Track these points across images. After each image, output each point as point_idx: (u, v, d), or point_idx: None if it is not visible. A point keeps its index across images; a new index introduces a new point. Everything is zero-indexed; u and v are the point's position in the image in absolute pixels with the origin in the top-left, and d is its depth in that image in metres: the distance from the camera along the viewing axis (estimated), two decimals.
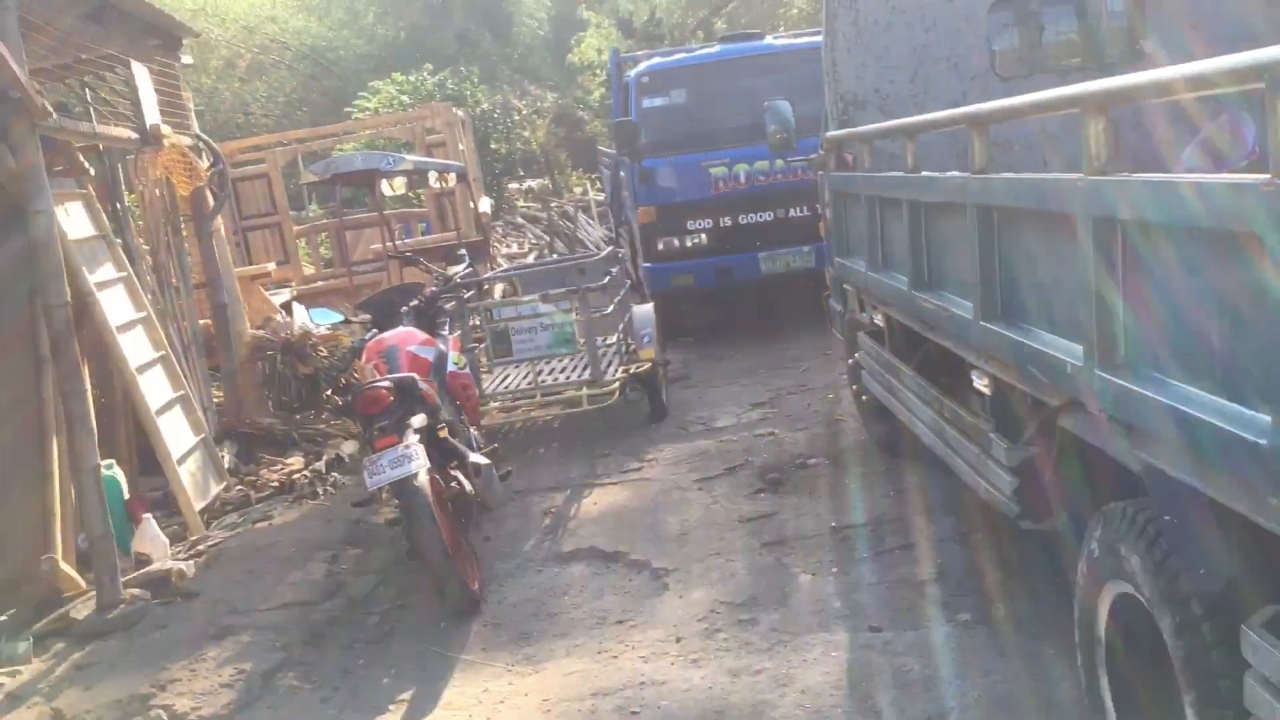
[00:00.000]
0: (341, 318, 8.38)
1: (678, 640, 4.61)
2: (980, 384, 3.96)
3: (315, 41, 26.05)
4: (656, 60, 11.36)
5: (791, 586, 4.98)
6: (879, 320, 5.68)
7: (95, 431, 5.76)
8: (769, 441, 7.20)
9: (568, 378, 7.90)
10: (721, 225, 10.28)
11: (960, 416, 4.25)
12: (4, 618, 5.63)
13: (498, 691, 4.44)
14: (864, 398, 6.48)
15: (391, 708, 4.45)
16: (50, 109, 5.55)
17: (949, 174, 3.93)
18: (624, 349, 8.18)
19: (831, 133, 6.14)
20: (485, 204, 14.64)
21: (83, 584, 5.70)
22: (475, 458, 5.62)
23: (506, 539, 6.18)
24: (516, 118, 22.55)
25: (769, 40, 11.39)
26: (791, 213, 10.13)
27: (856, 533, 5.48)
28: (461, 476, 5.57)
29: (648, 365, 7.95)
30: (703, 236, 10.33)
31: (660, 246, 10.42)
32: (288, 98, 25.63)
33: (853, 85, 6.15)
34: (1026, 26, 6.30)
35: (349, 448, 7.50)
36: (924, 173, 4.31)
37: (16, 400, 6.02)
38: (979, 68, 6.17)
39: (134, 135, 7.11)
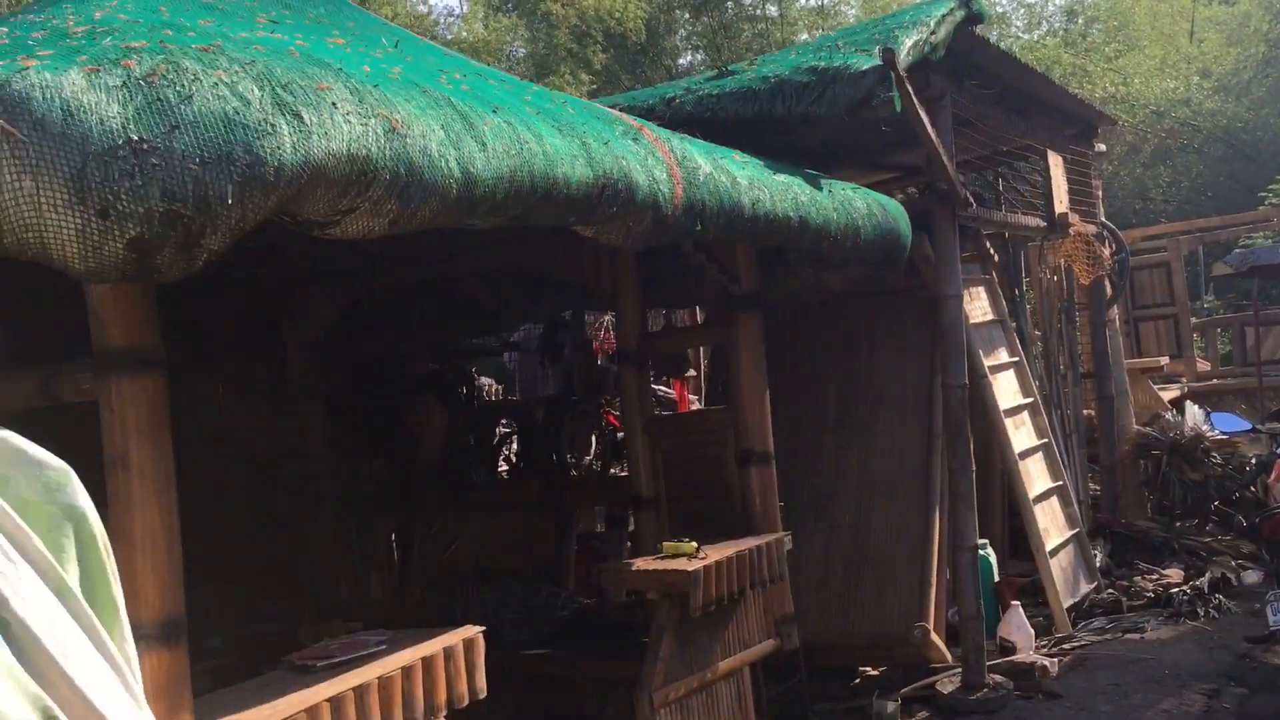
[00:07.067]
0: (1249, 426, 7.52)
1: None
2: None
3: (1230, 123, 24.34)
4: None
5: None
6: None
7: (976, 511, 5.88)
8: None
9: None
10: None
11: None
12: (877, 673, 6.03)
13: None
14: None
15: None
16: (971, 199, 5.82)
17: None
18: None
19: None
20: None
21: (949, 657, 5.84)
22: None
23: None
24: None
25: None
26: None
27: None
28: None
29: None
30: None
31: None
32: (1192, 183, 24.34)
33: None
34: None
35: (1252, 576, 6.69)
36: None
37: (910, 471, 6.40)
38: None
39: (1041, 223, 7.19)
